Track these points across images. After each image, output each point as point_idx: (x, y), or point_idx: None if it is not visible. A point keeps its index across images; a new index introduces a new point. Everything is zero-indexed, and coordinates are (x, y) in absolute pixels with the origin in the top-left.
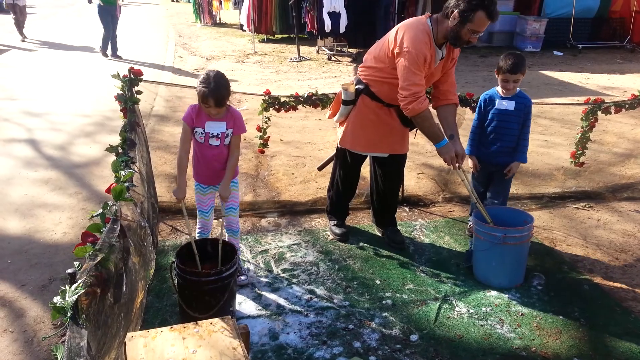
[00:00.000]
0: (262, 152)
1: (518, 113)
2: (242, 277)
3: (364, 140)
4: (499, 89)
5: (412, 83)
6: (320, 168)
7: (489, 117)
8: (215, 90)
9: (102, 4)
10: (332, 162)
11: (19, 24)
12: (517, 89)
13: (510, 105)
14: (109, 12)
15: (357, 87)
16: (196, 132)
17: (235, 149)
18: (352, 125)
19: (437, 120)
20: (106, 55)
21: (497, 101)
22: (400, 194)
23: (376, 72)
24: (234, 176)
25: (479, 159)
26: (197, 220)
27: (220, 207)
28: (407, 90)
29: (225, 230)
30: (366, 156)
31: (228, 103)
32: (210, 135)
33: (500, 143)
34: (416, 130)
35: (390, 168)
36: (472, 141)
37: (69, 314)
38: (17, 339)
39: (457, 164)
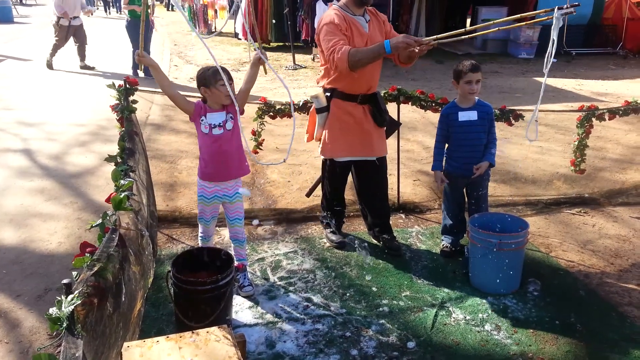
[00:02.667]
0: (256, 152)
1: (482, 122)
2: (248, 288)
3: (343, 145)
4: (457, 101)
5: (328, 48)
6: (308, 194)
7: (455, 131)
8: (218, 69)
9: (129, 19)
10: (320, 183)
11: (81, 50)
12: (476, 98)
13: (473, 115)
14: (139, 27)
15: (325, 94)
16: (202, 121)
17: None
18: (330, 131)
19: None
20: (137, 75)
21: (459, 114)
22: (396, 200)
23: (328, 71)
24: (240, 178)
25: (449, 174)
26: (199, 227)
27: (224, 217)
28: (328, 55)
29: (231, 240)
30: (350, 165)
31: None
32: (213, 126)
33: (470, 154)
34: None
35: (373, 172)
36: (437, 156)
37: (64, 325)
38: (12, 350)
39: (417, 41)
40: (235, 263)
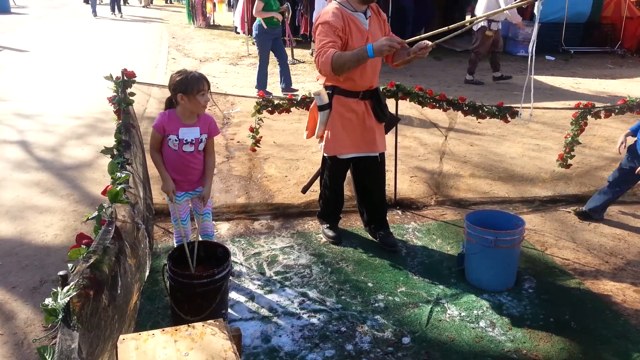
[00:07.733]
0: (254, 150)
1: None
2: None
3: (347, 142)
4: None
5: (317, 49)
6: (304, 190)
7: None
8: (201, 75)
9: (265, 27)
10: (317, 179)
11: (496, 62)
12: None
13: None
14: (270, 37)
15: (327, 91)
16: (169, 139)
17: (211, 152)
18: (333, 128)
19: None
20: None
21: None
22: (393, 197)
23: None
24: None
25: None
26: (174, 231)
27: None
28: (315, 57)
29: (200, 236)
30: (350, 162)
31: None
32: (185, 142)
33: None
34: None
35: (372, 168)
36: None
37: (60, 316)
38: (6, 342)
39: (400, 43)
40: None
